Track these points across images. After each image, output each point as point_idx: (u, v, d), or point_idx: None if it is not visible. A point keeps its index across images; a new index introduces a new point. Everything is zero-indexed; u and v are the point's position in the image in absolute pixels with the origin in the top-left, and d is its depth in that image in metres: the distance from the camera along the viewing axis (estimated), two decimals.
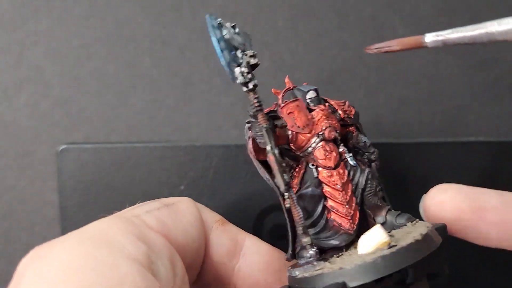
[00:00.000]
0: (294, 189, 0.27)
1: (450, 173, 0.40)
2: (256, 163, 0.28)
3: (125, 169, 0.37)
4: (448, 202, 0.28)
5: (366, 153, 0.29)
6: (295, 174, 0.28)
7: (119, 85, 0.41)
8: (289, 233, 0.27)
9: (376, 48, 0.29)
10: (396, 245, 0.23)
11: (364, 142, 0.29)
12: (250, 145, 0.27)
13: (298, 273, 0.25)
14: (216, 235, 0.28)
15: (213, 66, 0.42)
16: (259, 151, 0.27)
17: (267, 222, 0.38)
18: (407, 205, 0.40)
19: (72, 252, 0.20)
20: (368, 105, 0.43)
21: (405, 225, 0.27)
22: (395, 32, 0.44)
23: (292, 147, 0.28)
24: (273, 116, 0.28)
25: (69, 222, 0.37)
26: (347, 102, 0.30)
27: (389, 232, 0.27)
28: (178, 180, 0.37)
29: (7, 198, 0.41)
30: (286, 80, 0.30)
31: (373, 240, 0.24)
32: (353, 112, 0.29)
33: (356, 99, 0.43)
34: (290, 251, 0.27)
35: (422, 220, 0.28)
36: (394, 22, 0.44)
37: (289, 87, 0.30)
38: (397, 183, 0.40)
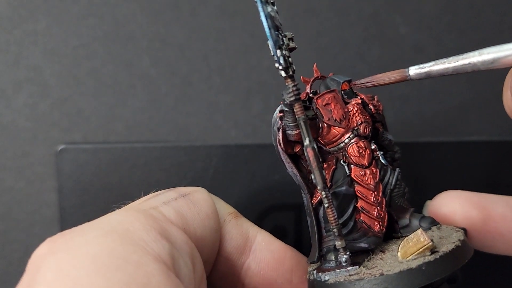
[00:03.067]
0: (318, 193, 0.25)
1: (451, 173, 0.40)
2: (284, 157, 0.26)
3: (124, 169, 0.37)
4: (459, 212, 0.27)
5: (390, 152, 0.28)
6: (326, 171, 0.26)
7: (117, 85, 0.41)
8: (315, 235, 0.26)
9: (360, 83, 0.27)
10: (438, 251, 0.22)
11: (389, 140, 0.28)
12: (280, 136, 0.25)
13: (328, 277, 0.24)
14: (227, 229, 0.27)
15: (213, 66, 0.42)
16: (288, 143, 0.26)
17: (267, 222, 0.37)
18: (409, 204, 0.40)
19: (96, 247, 0.19)
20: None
21: (429, 229, 0.26)
22: (397, 31, 0.43)
23: (320, 141, 0.26)
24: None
25: (68, 222, 0.37)
26: (376, 97, 0.28)
27: (404, 236, 0.26)
28: (177, 180, 0.37)
29: (6, 199, 0.40)
30: (314, 68, 0.28)
31: (416, 245, 0.23)
32: (381, 108, 0.28)
33: None
34: (316, 254, 0.25)
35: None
36: (396, 21, 0.43)
37: (318, 76, 0.28)
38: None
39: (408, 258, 0.23)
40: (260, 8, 0.23)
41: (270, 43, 0.23)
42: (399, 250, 0.24)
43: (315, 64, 0.29)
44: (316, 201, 0.26)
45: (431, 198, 0.40)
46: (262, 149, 0.38)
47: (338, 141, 0.26)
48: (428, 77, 0.26)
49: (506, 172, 0.41)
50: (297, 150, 0.26)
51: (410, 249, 0.23)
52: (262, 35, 0.43)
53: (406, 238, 0.24)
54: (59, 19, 0.40)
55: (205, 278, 0.24)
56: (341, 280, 0.23)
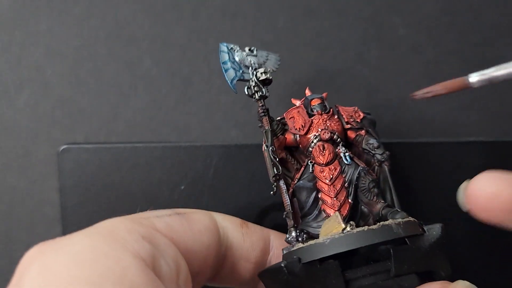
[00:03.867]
0: (293, 182, 0.32)
1: (449, 173, 0.40)
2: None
3: (125, 169, 0.37)
4: (503, 194, 0.26)
5: (375, 155, 0.31)
6: (300, 169, 0.32)
7: (119, 85, 0.41)
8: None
9: (421, 94, 0.31)
10: (349, 231, 0.26)
11: (372, 144, 0.32)
12: (264, 143, 0.32)
13: (285, 251, 0.29)
14: (247, 238, 0.30)
15: (213, 66, 0.42)
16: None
17: (267, 222, 0.38)
18: (408, 204, 0.40)
19: (79, 245, 0.21)
20: (368, 105, 0.43)
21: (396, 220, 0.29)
22: (396, 32, 0.44)
23: (300, 146, 0.33)
24: (284, 123, 0.33)
25: (69, 221, 0.38)
26: (356, 108, 0.34)
27: None
28: (178, 180, 0.37)
29: (7, 198, 0.41)
30: (307, 91, 0.35)
31: (331, 227, 0.27)
32: (360, 117, 0.33)
33: (356, 99, 0.43)
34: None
35: (415, 219, 0.29)
36: (395, 22, 0.44)
37: (306, 96, 0.34)
38: (396, 183, 0.40)
39: (323, 236, 0.27)
40: (220, 56, 0.34)
41: (226, 80, 0.33)
42: (321, 228, 0.28)
43: (307, 88, 0.34)
44: (290, 192, 0.31)
45: (429, 198, 0.40)
46: (262, 149, 0.38)
47: (307, 145, 0.32)
48: (490, 83, 0.27)
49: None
50: (282, 156, 0.33)
51: (328, 229, 0.27)
52: (262, 37, 0.43)
53: (328, 218, 0.28)
54: (61, 20, 0.41)
55: (190, 285, 0.25)
56: (284, 252, 0.28)
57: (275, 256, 0.31)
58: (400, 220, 0.27)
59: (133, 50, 0.41)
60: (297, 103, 0.34)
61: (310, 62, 0.43)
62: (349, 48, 0.43)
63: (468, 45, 0.44)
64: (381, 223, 0.26)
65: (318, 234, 0.29)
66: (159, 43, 0.42)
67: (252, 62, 0.33)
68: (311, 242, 0.26)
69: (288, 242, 0.29)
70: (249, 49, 0.34)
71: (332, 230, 0.27)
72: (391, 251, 0.26)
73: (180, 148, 0.38)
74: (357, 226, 0.30)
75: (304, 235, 0.29)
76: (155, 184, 0.37)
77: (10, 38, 0.40)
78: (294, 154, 0.34)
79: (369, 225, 0.30)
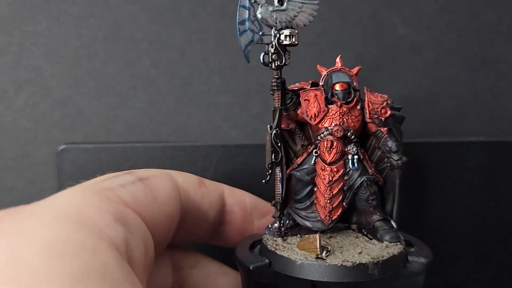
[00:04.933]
0: (292, 167, 0.30)
1: (450, 173, 0.40)
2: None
3: (125, 169, 0.37)
4: None
5: (390, 158, 0.29)
6: (303, 153, 0.30)
7: (118, 85, 0.41)
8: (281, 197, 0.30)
9: None
10: (321, 258, 0.26)
11: (390, 147, 0.29)
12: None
13: (266, 232, 0.29)
14: (206, 198, 0.29)
15: (213, 67, 0.42)
16: (283, 121, 0.30)
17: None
18: (407, 204, 0.40)
19: (50, 231, 0.19)
20: None
21: (383, 241, 0.28)
22: (396, 32, 0.44)
23: (311, 126, 0.30)
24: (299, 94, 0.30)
25: None
26: (385, 102, 0.29)
27: (369, 239, 0.29)
28: None
29: (7, 199, 0.40)
30: (338, 59, 0.31)
31: (307, 244, 0.27)
32: (387, 115, 0.29)
33: None
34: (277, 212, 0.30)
35: (404, 241, 0.29)
36: (395, 22, 0.44)
37: (335, 68, 0.31)
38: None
39: (300, 250, 0.27)
40: (237, 13, 0.28)
41: (240, 45, 0.28)
42: (300, 240, 0.28)
43: (339, 56, 0.31)
44: (287, 173, 0.30)
45: (428, 197, 0.40)
46: (262, 149, 0.38)
47: (318, 132, 0.29)
48: None
49: (503, 172, 0.41)
50: (291, 127, 0.30)
51: (305, 245, 0.27)
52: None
53: (309, 235, 0.28)
54: (60, 20, 0.41)
55: (153, 260, 0.24)
56: (264, 239, 0.28)
57: (228, 212, 0.31)
58: (381, 255, 0.26)
59: (132, 50, 0.41)
60: (323, 72, 0.31)
61: (310, 62, 0.43)
62: (349, 47, 0.43)
63: (467, 45, 0.44)
64: (358, 260, 0.25)
65: (303, 223, 0.30)
66: (158, 43, 0.42)
67: (278, 20, 0.28)
68: (285, 252, 0.26)
69: (270, 232, 0.29)
70: (278, 1, 0.28)
71: (307, 248, 0.27)
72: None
73: (180, 148, 0.38)
74: (347, 221, 0.31)
75: (289, 223, 0.29)
76: None
77: (9, 38, 0.40)
78: (304, 128, 0.31)
79: (360, 223, 0.30)
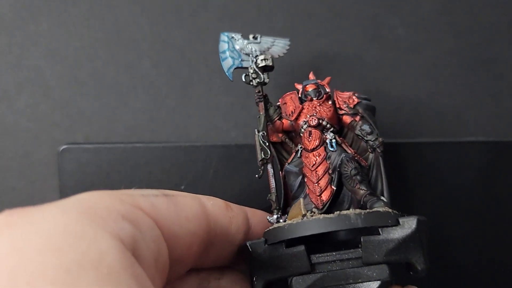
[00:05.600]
0: (284, 165, 0.33)
1: (450, 173, 0.41)
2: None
3: (126, 169, 0.37)
4: None
5: (368, 141, 0.32)
6: (293, 153, 0.33)
7: (119, 86, 0.41)
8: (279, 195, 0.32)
9: None
10: (307, 218, 0.27)
11: (364, 129, 0.32)
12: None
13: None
14: (234, 222, 0.29)
15: (213, 67, 0.42)
16: (272, 133, 0.34)
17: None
18: (407, 204, 0.40)
19: (51, 224, 0.19)
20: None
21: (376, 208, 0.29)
22: (395, 32, 0.44)
23: (294, 131, 0.33)
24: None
25: None
26: (351, 93, 0.33)
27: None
28: (178, 180, 0.38)
29: (8, 199, 0.41)
30: (310, 75, 0.35)
31: (294, 212, 0.28)
32: (354, 102, 0.33)
33: None
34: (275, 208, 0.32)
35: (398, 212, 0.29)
36: (394, 22, 0.44)
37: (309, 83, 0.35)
38: (397, 183, 0.40)
39: (289, 220, 0.28)
40: (219, 46, 0.34)
41: (223, 67, 0.34)
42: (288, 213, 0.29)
43: (311, 72, 0.35)
44: (282, 175, 0.33)
45: (429, 197, 0.41)
46: None
47: (299, 129, 0.33)
48: None
49: (502, 172, 0.41)
50: (283, 139, 0.34)
51: (292, 214, 0.28)
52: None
53: (294, 204, 0.29)
54: (61, 21, 0.41)
55: (167, 270, 0.24)
56: (265, 231, 0.29)
57: (251, 234, 0.31)
58: (366, 211, 0.27)
59: (133, 51, 0.42)
60: (300, 87, 0.34)
61: (310, 62, 0.43)
62: (348, 48, 0.43)
63: (467, 45, 0.44)
64: (338, 212, 0.26)
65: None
66: (158, 44, 0.42)
67: (253, 49, 0.34)
68: (276, 225, 0.28)
69: (270, 223, 0.30)
70: (253, 37, 0.34)
71: (296, 215, 0.28)
72: (361, 239, 0.26)
73: (180, 148, 0.38)
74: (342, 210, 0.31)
75: (286, 217, 0.30)
76: (155, 184, 0.37)
77: (10, 39, 0.40)
78: (292, 137, 0.34)
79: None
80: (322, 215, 0.26)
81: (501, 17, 0.45)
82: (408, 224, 0.26)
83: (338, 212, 0.26)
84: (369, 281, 0.26)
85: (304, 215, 0.27)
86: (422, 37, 0.44)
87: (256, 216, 0.31)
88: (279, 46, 0.35)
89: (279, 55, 0.34)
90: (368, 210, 0.27)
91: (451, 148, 0.41)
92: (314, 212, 0.28)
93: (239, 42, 0.34)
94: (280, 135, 0.34)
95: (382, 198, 0.30)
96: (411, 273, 0.27)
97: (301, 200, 0.29)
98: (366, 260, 0.26)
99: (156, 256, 0.22)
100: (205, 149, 0.38)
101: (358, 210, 0.26)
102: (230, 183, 0.38)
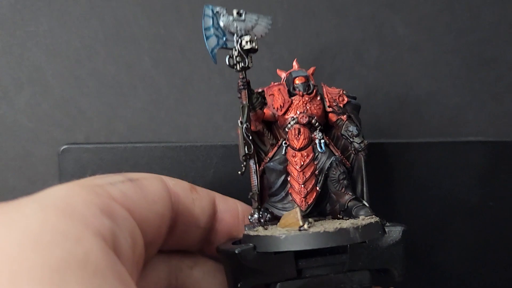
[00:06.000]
0: (265, 161, 0.31)
1: (450, 172, 0.41)
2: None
3: (126, 169, 0.37)
4: None
5: (353, 143, 0.31)
6: (273, 148, 0.32)
7: (119, 85, 0.42)
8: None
9: None
10: (305, 229, 0.26)
11: (351, 131, 0.31)
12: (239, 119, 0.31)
13: (246, 228, 0.30)
14: (197, 204, 0.29)
15: (213, 66, 0.42)
16: (251, 122, 0.31)
17: None
18: (407, 204, 0.41)
19: (34, 222, 0.18)
20: (367, 105, 0.43)
21: (358, 217, 0.29)
22: (395, 32, 0.44)
23: (278, 122, 0.32)
24: (264, 96, 0.32)
25: None
26: (341, 91, 0.32)
27: (343, 218, 0.30)
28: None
29: (8, 198, 0.40)
30: (294, 63, 0.33)
31: (289, 220, 0.27)
32: (344, 102, 0.32)
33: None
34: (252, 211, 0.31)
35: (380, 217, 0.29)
36: (394, 22, 0.44)
37: (293, 69, 0.33)
38: (396, 183, 0.40)
39: (282, 228, 0.27)
40: (203, 21, 0.31)
41: (207, 48, 0.31)
42: (281, 219, 0.28)
43: (295, 59, 0.33)
44: (261, 170, 0.31)
45: (427, 197, 0.40)
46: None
47: (284, 124, 0.31)
48: None
49: (503, 172, 0.41)
50: (259, 128, 0.32)
51: (286, 222, 0.27)
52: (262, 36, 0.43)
53: (288, 212, 0.28)
54: (61, 20, 0.41)
55: (143, 257, 0.24)
56: (244, 232, 0.29)
57: (219, 220, 0.31)
58: (360, 223, 0.27)
59: (133, 50, 0.42)
60: (282, 75, 0.33)
61: (310, 62, 0.43)
62: (348, 47, 0.43)
63: (467, 45, 0.44)
64: (339, 226, 0.26)
65: (281, 214, 0.30)
66: (159, 43, 0.42)
67: (238, 28, 0.31)
68: (268, 233, 0.27)
69: (251, 222, 0.30)
70: (237, 13, 0.32)
71: (290, 224, 0.27)
72: (348, 247, 0.26)
73: (180, 148, 0.38)
74: (322, 212, 0.31)
75: (268, 216, 0.30)
76: None
77: (11, 38, 0.40)
78: (271, 128, 0.33)
79: (335, 212, 0.31)
80: (322, 227, 0.26)
81: (501, 17, 0.44)
82: (394, 234, 0.27)
83: (336, 227, 0.26)
84: (352, 286, 0.27)
85: (301, 227, 0.27)
86: (423, 37, 0.44)
87: (226, 204, 0.31)
88: (262, 24, 0.32)
89: (261, 35, 0.32)
90: (363, 223, 0.27)
91: (452, 148, 0.41)
92: (311, 223, 0.27)
93: (224, 19, 0.31)
94: (258, 124, 0.32)
95: (364, 203, 0.30)
96: (386, 277, 0.28)
97: (298, 209, 0.28)
98: (351, 267, 0.27)
99: (133, 248, 0.22)
100: (205, 149, 0.38)
101: (354, 222, 0.27)
102: (230, 183, 0.38)
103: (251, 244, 0.27)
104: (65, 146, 0.38)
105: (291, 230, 0.27)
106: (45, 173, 0.41)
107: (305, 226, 0.27)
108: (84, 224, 0.19)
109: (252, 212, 0.30)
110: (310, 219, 0.28)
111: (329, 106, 0.32)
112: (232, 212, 0.31)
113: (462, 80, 0.44)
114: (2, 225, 0.18)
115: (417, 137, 0.43)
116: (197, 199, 0.29)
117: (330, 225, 0.28)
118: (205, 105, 0.42)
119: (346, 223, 0.27)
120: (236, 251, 0.26)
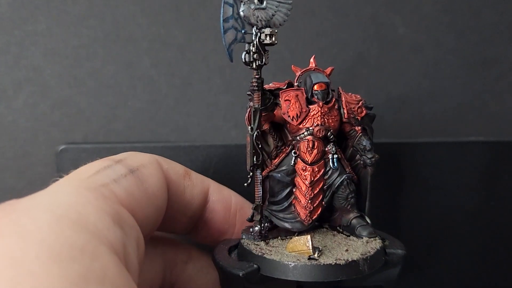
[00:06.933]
0: (269, 168, 0.29)
1: (450, 173, 0.40)
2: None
3: None
4: None
5: (364, 156, 0.30)
6: (280, 154, 0.30)
7: (118, 85, 0.41)
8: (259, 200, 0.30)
9: None
10: (314, 259, 0.26)
11: (364, 145, 0.30)
12: (246, 114, 0.29)
13: (244, 237, 0.29)
14: (188, 191, 0.29)
15: (213, 66, 0.42)
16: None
17: None
18: (408, 203, 0.40)
19: (49, 233, 0.18)
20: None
21: (361, 237, 0.29)
22: (395, 32, 0.44)
23: (288, 126, 0.30)
24: (277, 94, 0.29)
25: None
26: (361, 102, 0.30)
27: (347, 236, 0.30)
28: None
29: (6, 199, 0.40)
30: (311, 59, 0.31)
31: (299, 246, 0.27)
32: (362, 114, 0.30)
33: None
34: (250, 216, 0.30)
35: (382, 237, 0.30)
36: (394, 22, 0.44)
37: (310, 68, 0.31)
38: (397, 183, 0.40)
39: (290, 252, 0.27)
40: (222, 10, 0.28)
41: (223, 44, 0.27)
42: (289, 242, 0.27)
43: (313, 56, 0.31)
44: (264, 175, 0.29)
45: (428, 197, 0.40)
46: None
47: (297, 133, 0.29)
48: None
49: (504, 172, 0.41)
50: (265, 128, 0.30)
51: (296, 247, 0.27)
52: None
53: (299, 236, 0.27)
54: (60, 20, 0.41)
55: (143, 257, 0.24)
56: (244, 245, 0.27)
57: (210, 210, 0.30)
58: (368, 252, 0.27)
59: (132, 50, 0.41)
60: (298, 72, 0.31)
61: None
62: (349, 47, 0.43)
63: (467, 45, 0.44)
64: (349, 258, 0.26)
65: (282, 225, 0.29)
66: (158, 43, 0.42)
67: (258, 18, 0.28)
68: (274, 255, 0.26)
69: (251, 235, 0.29)
70: (259, 0, 0.28)
71: (299, 249, 0.27)
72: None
73: (180, 148, 0.38)
74: (320, 218, 0.31)
75: (267, 225, 0.29)
76: None
77: (9, 38, 0.40)
78: (278, 126, 0.31)
79: (334, 220, 0.31)
80: (334, 260, 0.26)
81: (502, 16, 0.44)
82: (395, 258, 0.28)
83: (347, 259, 0.26)
84: None
85: (310, 257, 0.26)
86: (423, 37, 0.44)
87: (220, 194, 0.30)
88: (282, 11, 0.29)
89: (280, 24, 0.29)
90: (371, 253, 0.27)
91: (452, 148, 0.41)
92: (321, 251, 0.27)
93: (245, 7, 0.27)
94: (265, 124, 0.30)
95: (368, 221, 0.30)
96: None
97: (309, 237, 0.27)
98: (349, 284, 0.27)
99: (137, 254, 0.23)
100: (205, 149, 0.38)
101: (362, 253, 0.27)
102: (230, 183, 0.37)
103: (255, 266, 0.26)
104: (63, 146, 0.38)
105: (300, 258, 0.26)
106: (43, 173, 0.40)
107: (316, 255, 0.26)
108: (98, 239, 0.20)
109: (254, 224, 0.29)
110: (320, 247, 0.27)
111: (346, 118, 0.30)
112: (225, 204, 0.30)
113: (463, 80, 0.44)
114: (16, 234, 0.18)
115: (418, 137, 0.43)
116: (188, 186, 0.29)
117: (337, 250, 0.27)
118: (205, 105, 0.42)
119: (355, 254, 0.27)
120: (241, 274, 0.26)
